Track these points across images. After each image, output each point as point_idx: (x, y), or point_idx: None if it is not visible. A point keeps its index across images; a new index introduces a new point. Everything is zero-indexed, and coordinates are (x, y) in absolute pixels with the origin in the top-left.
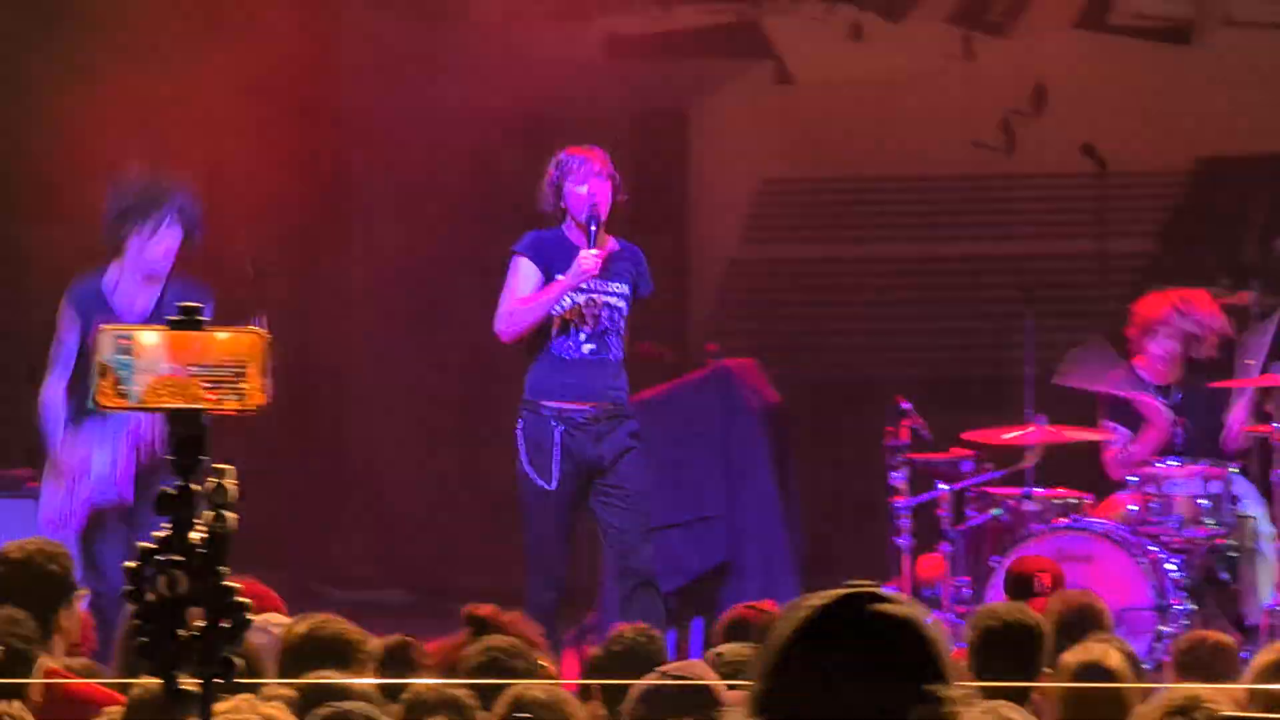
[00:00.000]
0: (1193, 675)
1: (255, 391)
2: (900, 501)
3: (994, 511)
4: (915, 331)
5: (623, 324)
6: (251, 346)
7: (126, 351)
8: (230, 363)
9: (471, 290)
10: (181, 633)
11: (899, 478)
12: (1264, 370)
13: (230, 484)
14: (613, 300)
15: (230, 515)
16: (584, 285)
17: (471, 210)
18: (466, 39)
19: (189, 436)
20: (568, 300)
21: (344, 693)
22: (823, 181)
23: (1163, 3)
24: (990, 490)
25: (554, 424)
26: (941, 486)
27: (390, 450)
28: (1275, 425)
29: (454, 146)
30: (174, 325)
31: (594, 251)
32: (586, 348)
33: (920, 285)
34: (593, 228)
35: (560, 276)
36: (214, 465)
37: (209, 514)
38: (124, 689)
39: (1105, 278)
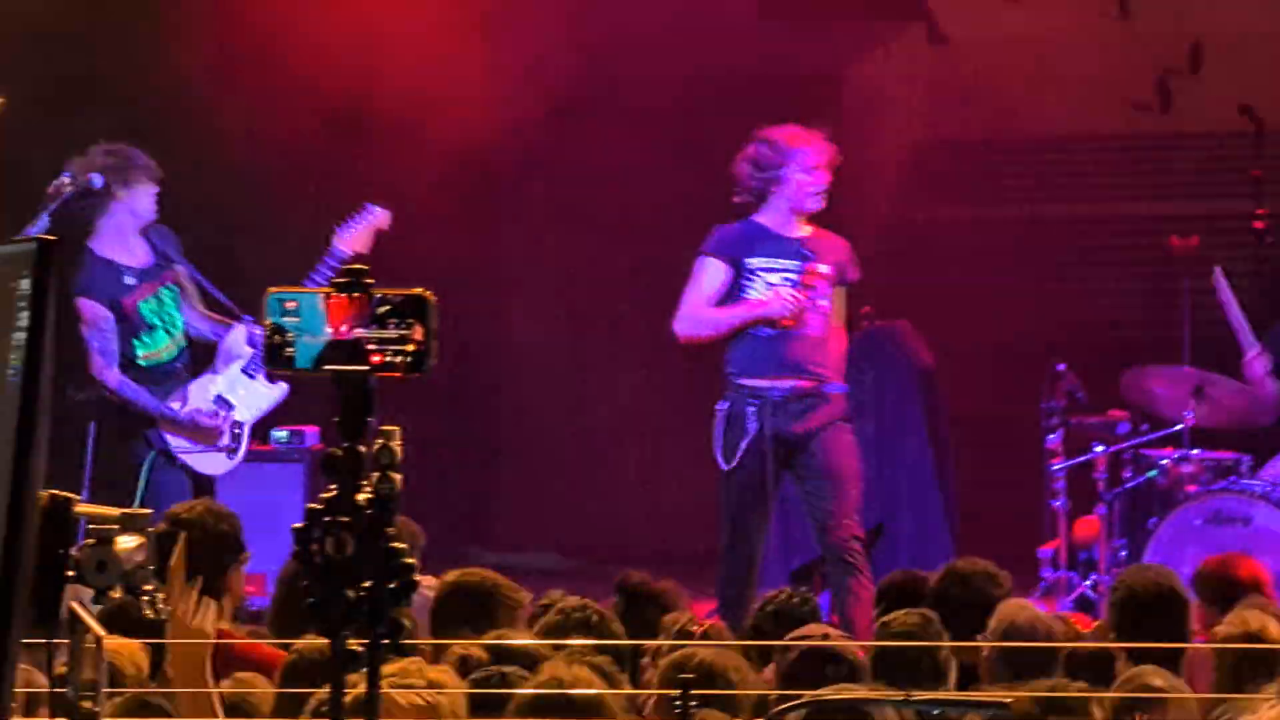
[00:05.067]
0: None
1: (421, 354)
2: (1056, 464)
3: (1150, 473)
4: (1069, 293)
5: (824, 303)
6: (418, 308)
7: (293, 314)
8: (396, 325)
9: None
10: (349, 594)
11: (1055, 440)
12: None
13: (396, 446)
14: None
15: (396, 477)
16: (778, 266)
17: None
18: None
19: (355, 398)
20: (763, 286)
21: (507, 654)
22: (976, 143)
23: None
24: (1147, 452)
25: (749, 403)
26: (1098, 449)
27: (544, 416)
28: None
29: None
30: (340, 288)
31: (792, 293)
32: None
33: (1073, 246)
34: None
35: (751, 292)
36: (380, 428)
37: (375, 475)
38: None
39: (1261, 238)
